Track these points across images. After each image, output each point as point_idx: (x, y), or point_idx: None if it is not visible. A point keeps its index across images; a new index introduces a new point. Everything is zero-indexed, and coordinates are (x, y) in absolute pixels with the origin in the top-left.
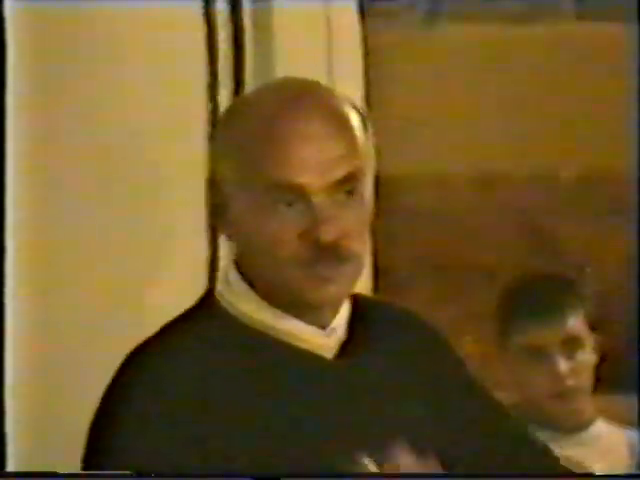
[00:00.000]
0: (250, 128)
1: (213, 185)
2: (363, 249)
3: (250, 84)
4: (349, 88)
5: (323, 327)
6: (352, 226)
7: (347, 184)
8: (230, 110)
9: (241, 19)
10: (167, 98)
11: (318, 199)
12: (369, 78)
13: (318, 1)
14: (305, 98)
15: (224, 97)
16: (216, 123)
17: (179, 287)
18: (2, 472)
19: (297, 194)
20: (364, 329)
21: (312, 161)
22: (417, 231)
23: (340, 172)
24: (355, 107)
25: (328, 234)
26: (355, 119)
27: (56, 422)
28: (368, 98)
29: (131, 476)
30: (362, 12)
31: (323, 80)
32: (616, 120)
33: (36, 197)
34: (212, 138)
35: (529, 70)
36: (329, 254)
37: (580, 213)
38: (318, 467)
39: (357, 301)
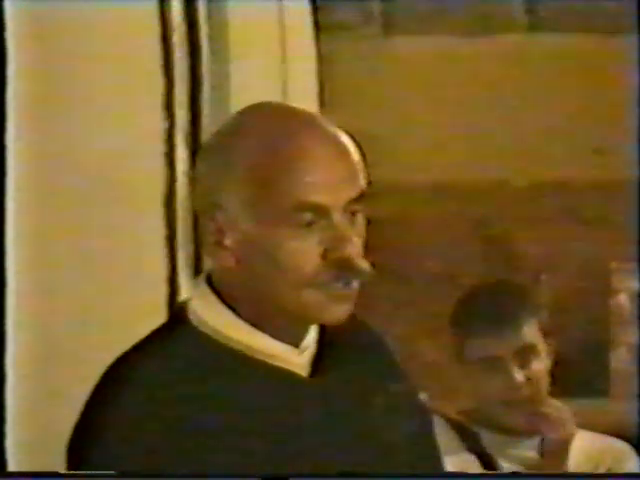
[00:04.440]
0: (261, 153)
1: (213, 212)
2: (369, 267)
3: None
4: (303, 100)
5: (296, 345)
6: (359, 245)
7: (355, 204)
8: (223, 137)
9: (197, 24)
10: (124, 109)
11: (337, 218)
12: (323, 89)
13: (273, 14)
14: (313, 123)
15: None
16: (203, 150)
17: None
18: (2, 472)
19: (319, 213)
20: (333, 347)
21: (331, 181)
22: (373, 239)
23: (352, 192)
24: (348, 134)
25: (350, 251)
26: (351, 144)
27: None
28: (322, 109)
29: (132, 476)
30: (316, 24)
31: (278, 91)
32: (570, 129)
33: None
34: (204, 165)
35: (483, 80)
36: (348, 272)
37: (533, 221)
38: None
39: None
